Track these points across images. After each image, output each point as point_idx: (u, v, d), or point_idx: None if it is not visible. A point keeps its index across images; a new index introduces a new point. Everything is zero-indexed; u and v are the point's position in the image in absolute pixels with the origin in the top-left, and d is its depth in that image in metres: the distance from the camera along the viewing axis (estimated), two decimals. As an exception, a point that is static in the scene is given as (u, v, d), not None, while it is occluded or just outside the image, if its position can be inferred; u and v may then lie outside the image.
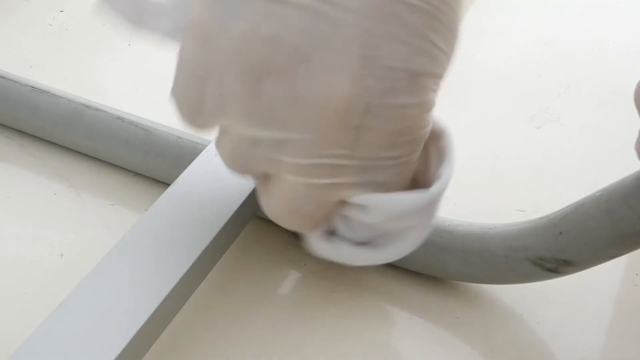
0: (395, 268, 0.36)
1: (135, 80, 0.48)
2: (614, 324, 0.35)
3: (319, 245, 0.32)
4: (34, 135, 0.42)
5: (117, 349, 0.27)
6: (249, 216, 0.35)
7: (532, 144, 0.45)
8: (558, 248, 0.32)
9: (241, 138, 0.29)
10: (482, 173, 0.42)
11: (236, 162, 0.30)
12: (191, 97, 0.29)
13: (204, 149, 0.37)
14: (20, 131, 0.42)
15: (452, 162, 0.31)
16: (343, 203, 0.30)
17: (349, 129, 0.27)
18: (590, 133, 0.46)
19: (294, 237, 0.37)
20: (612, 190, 0.30)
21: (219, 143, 0.31)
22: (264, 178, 0.30)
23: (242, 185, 0.34)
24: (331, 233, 0.32)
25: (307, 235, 0.32)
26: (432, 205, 0.30)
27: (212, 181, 0.35)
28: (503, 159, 0.44)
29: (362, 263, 0.33)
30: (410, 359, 0.33)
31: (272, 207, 0.30)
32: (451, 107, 0.47)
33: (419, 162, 0.31)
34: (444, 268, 0.35)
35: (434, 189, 0.30)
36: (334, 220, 0.31)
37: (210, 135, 0.31)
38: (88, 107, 0.40)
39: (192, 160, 0.36)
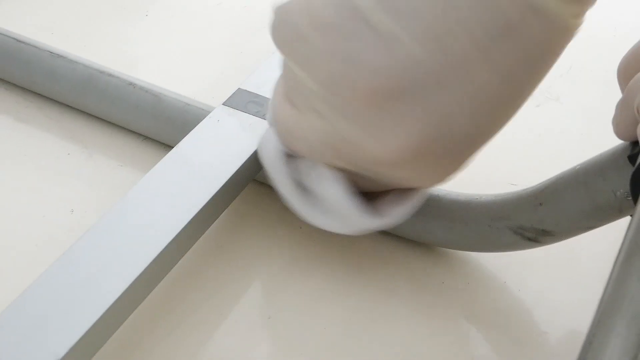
0: (385, 234, 0.38)
1: (149, 49, 0.50)
2: (597, 294, 0.37)
3: (284, 167, 0.33)
4: (51, 98, 0.44)
5: (115, 295, 0.29)
6: (247, 179, 0.37)
7: (530, 121, 0.46)
8: (538, 218, 0.33)
9: (287, 77, 0.31)
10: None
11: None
12: None
13: (207, 114, 0.38)
14: (38, 94, 0.44)
15: (408, 212, 0.33)
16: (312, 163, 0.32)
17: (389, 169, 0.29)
18: (588, 113, 0.47)
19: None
20: (590, 164, 0.32)
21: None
22: None
23: (241, 150, 0.36)
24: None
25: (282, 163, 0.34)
26: (358, 227, 0.33)
27: (213, 145, 0.36)
28: (499, 134, 0.45)
29: (309, 214, 0.34)
30: (396, 320, 0.35)
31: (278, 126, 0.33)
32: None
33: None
34: (431, 235, 0.36)
35: (376, 221, 0.32)
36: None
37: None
38: (102, 72, 0.42)
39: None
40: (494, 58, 0.26)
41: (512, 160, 0.43)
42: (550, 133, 0.45)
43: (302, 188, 0.34)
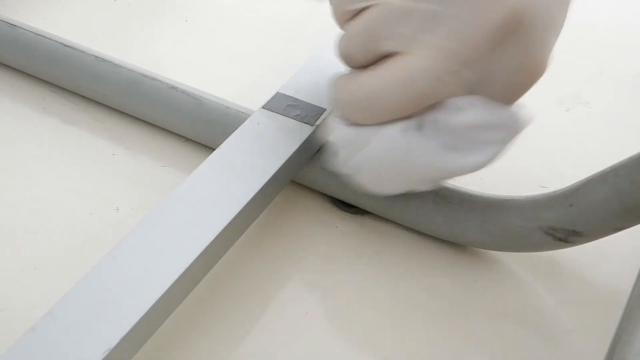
0: (418, 234, 0.39)
1: (190, 53, 0.52)
2: (625, 293, 0.37)
3: (408, 136, 0.32)
4: (96, 101, 0.46)
5: (161, 290, 0.31)
6: (286, 181, 0.38)
7: (559, 125, 0.47)
8: (568, 219, 0.34)
9: (392, 10, 0.30)
10: (509, 150, 0.45)
11: (365, 38, 0.31)
12: None
13: (248, 117, 0.40)
14: (83, 97, 0.46)
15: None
16: (440, 103, 0.32)
17: (496, 33, 0.29)
18: (618, 117, 0.48)
19: (330, 203, 0.41)
20: (619, 167, 0.33)
21: (351, 24, 0.32)
22: (377, 60, 0.32)
23: (281, 152, 0.37)
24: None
25: (393, 128, 0.33)
26: (521, 122, 0.33)
27: (253, 147, 0.38)
28: (530, 137, 0.45)
29: (442, 165, 0.33)
30: (428, 317, 0.36)
31: (384, 81, 0.31)
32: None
33: None
34: (463, 235, 0.38)
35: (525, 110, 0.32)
36: (423, 118, 0.32)
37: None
38: (145, 76, 0.44)
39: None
40: None
41: (543, 163, 0.44)
42: (580, 136, 0.46)
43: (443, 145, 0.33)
